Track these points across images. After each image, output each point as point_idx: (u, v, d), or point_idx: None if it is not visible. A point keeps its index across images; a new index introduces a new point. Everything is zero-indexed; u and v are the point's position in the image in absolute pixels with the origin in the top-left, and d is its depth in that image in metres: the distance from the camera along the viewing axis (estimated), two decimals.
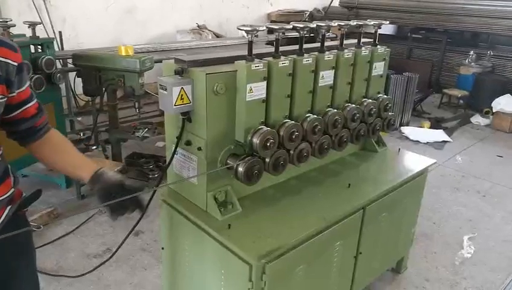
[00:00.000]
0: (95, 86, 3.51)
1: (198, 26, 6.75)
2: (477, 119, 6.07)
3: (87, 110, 5.20)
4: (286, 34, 2.03)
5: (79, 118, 5.10)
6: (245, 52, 1.73)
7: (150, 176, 3.72)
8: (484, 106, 6.10)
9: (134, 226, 2.23)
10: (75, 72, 3.75)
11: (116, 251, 2.44)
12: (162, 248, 2.15)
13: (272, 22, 7.63)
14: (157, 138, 4.39)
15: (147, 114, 4.51)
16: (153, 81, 5.13)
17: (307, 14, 7.87)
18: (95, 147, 4.43)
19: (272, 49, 1.87)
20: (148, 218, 3.22)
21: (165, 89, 1.66)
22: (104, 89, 3.51)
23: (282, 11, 7.86)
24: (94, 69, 3.43)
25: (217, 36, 6.54)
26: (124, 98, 4.54)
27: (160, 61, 3.13)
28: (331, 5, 8.48)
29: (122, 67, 3.33)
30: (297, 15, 7.71)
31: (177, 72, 1.68)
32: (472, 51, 6.79)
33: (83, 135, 4.74)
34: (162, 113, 3.36)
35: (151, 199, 2.06)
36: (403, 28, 8.32)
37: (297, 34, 1.90)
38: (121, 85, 3.41)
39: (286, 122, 1.85)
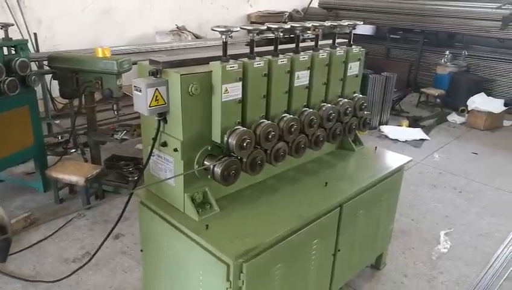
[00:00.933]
0: (72, 89, 3.47)
1: (177, 27, 6.72)
2: (454, 117, 6.21)
3: (65, 113, 5.13)
4: (266, 35, 2.04)
5: (57, 121, 5.03)
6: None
7: (130, 179, 3.69)
8: (460, 105, 6.25)
9: (112, 229, 2.22)
10: (51, 75, 3.69)
11: (94, 255, 2.41)
12: (141, 250, 2.14)
13: (252, 23, 7.66)
14: (137, 140, 4.35)
15: (125, 116, 4.47)
16: (131, 83, 5.09)
17: (286, 15, 7.92)
18: (73, 150, 4.39)
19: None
20: (129, 221, 3.20)
21: (140, 91, 1.65)
22: (81, 91, 3.46)
23: (262, 12, 7.89)
24: (70, 71, 3.39)
25: (197, 37, 6.53)
26: (103, 101, 4.49)
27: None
28: (311, 6, 8.56)
29: (99, 69, 3.30)
30: (276, 16, 7.75)
31: (151, 73, 1.68)
32: (448, 51, 6.95)
33: (61, 138, 4.68)
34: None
35: (127, 202, 2.06)
36: (381, 29, 8.45)
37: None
38: (99, 87, 3.37)
39: (262, 122, 1.87)
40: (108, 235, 2.31)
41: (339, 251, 2.17)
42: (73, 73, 3.40)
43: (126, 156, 4.07)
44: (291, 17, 8.02)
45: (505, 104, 5.95)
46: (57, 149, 4.35)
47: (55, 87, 4.20)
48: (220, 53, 1.77)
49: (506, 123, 6.07)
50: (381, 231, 2.58)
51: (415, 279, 2.76)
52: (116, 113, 3.59)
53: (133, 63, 3.43)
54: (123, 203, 2.11)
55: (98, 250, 2.39)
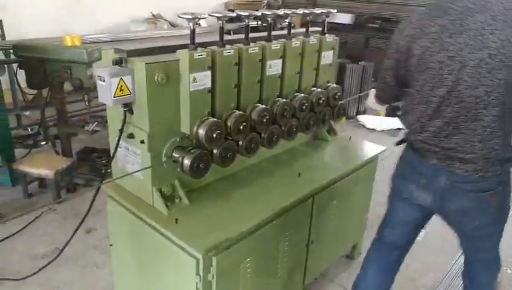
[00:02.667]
0: (40, 78, 3.33)
1: (153, 15, 6.56)
2: None
3: (36, 104, 4.96)
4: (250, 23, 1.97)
5: (27, 113, 4.85)
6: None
7: (103, 171, 3.60)
8: None
9: (81, 223, 2.15)
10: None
11: (62, 250, 2.34)
12: (111, 245, 2.09)
13: (230, 10, 7.54)
14: None
15: (98, 107, 4.34)
16: None
17: (264, 3, 7.82)
18: (44, 143, 4.25)
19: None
20: (101, 214, 3.09)
21: (103, 80, 1.58)
22: (49, 81, 3.34)
23: (240, 0, 7.78)
24: (37, 60, 3.25)
25: (173, 26, 6.39)
26: (74, 91, 4.36)
27: None
28: None
29: (68, 58, 3.18)
30: (254, 4, 7.64)
31: (115, 62, 1.61)
32: None
33: (31, 130, 4.53)
34: None
35: (95, 195, 2.00)
36: (360, 18, 8.44)
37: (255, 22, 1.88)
38: (68, 77, 3.25)
39: (234, 112, 1.83)
40: (77, 229, 2.24)
41: (312, 242, 2.16)
42: (41, 62, 3.27)
43: (99, 148, 3.96)
44: (270, 5, 7.92)
45: None
46: (27, 142, 4.21)
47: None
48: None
49: None
50: (356, 221, 2.59)
51: None
52: (87, 104, 3.48)
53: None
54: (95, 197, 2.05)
55: (66, 245, 2.32)
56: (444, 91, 1.59)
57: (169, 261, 1.71)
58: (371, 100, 2.17)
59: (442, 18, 1.57)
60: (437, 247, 3.01)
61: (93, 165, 3.67)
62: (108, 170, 3.55)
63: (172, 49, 1.73)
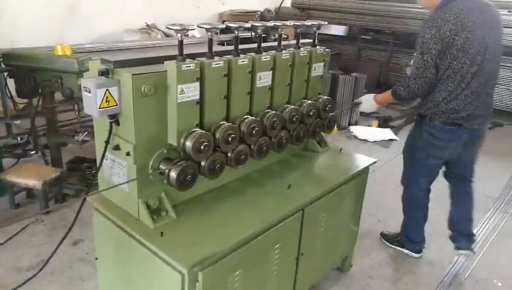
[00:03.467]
0: (30, 88, 3.31)
1: (147, 25, 6.57)
2: None
3: (27, 113, 4.91)
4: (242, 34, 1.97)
5: (17, 122, 4.80)
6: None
7: (93, 182, 3.55)
8: None
9: (66, 235, 2.12)
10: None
11: (47, 262, 2.30)
12: (96, 258, 2.05)
13: (224, 21, 7.58)
14: None
15: (88, 117, 4.31)
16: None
17: (258, 15, 7.88)
18: (33, 152, 4.20)
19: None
20: (89, 226, 3.05)
21: (89, 91, 1.56)
22: (39, 90, 3.31)
23: (234, 11, 7.82)
24: (27, 69, 3.23)
25: (167, 36, 6.40)
26: (66, 101, 4.32)
27: None
28: (283, 5, 8.55)
29: (58, 67, 3.16)
30: (248, 15, 7.69)
31: (101, 73, 1.59)
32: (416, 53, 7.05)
33: (21, 139, 4.47)
34: None
35: (81, 207, 1.97)
36: (353, 30, 8.52)
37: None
38: (58, 87, 3.23)
39: (222, 124, 1.81)
40: (62, 240, 2.21)
41: (301, 254, 2.14)
42: (31, 71, 3.25)
43: (89, 158, 3.92)
44: (263, 17, 7.97)
45: None
46: (16, 151, 4.16)
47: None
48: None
49: None
50: (346, 233, 2.57)
51: (380, 280, 2.76)
52: (77, 113, 3.45)
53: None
54: (84, 207, 2.02)
55: (51, 256, 2.27)
56: (475, 69, 2.37)
57: (155, 275, 1.68)
58: (366, 107, 2.80)
59: (472, 15, 2.31)
60: (431, 257, 3.00)
61: (83, 176, 3.63)
62: (95, 181, 3.54)
63: (160, 60, 1.71)
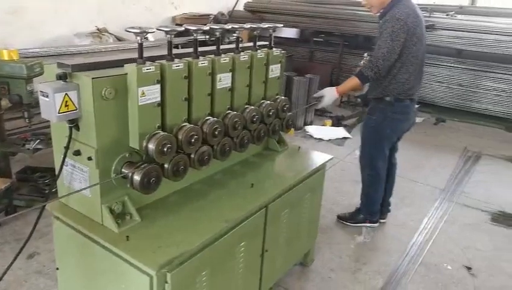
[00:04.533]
0: None
1: (98, 29, 6.39)
2: None
3: None
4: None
5: None
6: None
7: (47, 191, 3.42)
8: None
9: (22, 247, 2.02)
10: None
11: (2, 276, 2.18)
12: (57, 269, 1.99)
13: (177, 25, 7.51)
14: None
15: (40, 125, 4.13)
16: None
17: (211, 18, 7.89)
18: None
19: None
20: (46, 237, 2.97)
21: (47, 96, 1.53)
22: None
23: (187, 15, 7.78)
24: None
25: (119, 40, 6.26)
26: (16, 108, 4.12)
27: None
28: (236, 9, 8.63)
29: (5, 73, 3.01)
30: (202, 18, 7.69)
31: (59, 77, 1.56)
32: (366, 53, 7.34)
33: None
34: None
35: (39, 216, 1.90)
36: (305, 32, 8.75)
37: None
38: (6, 93, 3.08)
39: (184, 125, 1.82)
40: (18, 253, 2.10)
41: (266, 251, 2.19)
42: None
43: (42, 167, 3.76)
44: (217, 20, 8.00)
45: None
46: None
47: None
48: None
49: (417, 120, 6.57)
50: (307, 228, 2.66)
51: (341, 272, 2.87)
52: (27, 121, 3.31)
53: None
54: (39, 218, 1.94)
55: (6, 271, 2.16)
56: (421, 56, 2.95)
57: (122, 280, 1.66)
58: (328, 99, 3.01)
59: (417, 14, 2.85)
60: (387, 248, 3.15)
61: (35, 186, 3.48)
62: (53, 190, 3.40)
63: (119, 63, 1.71)
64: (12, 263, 2.14)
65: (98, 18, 6.61)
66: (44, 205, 1.86)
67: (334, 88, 3.00)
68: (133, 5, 7.15)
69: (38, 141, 3.30)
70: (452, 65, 6.98)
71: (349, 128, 5.94)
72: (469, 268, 2.99)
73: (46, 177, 3.53)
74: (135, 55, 1.68)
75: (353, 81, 2.91)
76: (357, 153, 4.97)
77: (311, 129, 5.70)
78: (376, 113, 3.06)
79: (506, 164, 5.03)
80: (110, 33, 6.39)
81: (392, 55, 2.77)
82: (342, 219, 3.48)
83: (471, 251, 3.20)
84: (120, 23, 6.91)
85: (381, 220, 3.49)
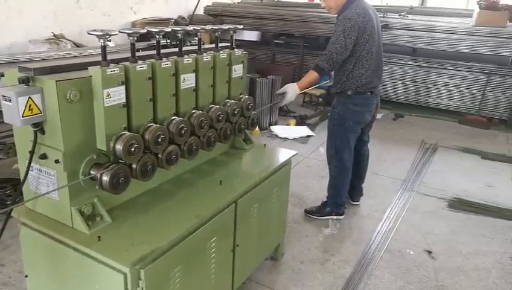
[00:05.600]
0: None
1: (54, 35, 6.23)
2: None
3: None
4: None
5: None
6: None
7: (8, 202, 3.31)
8: None
9: None
10: None
11: None
12: (26, 276, 1.95)
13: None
14: (14, 160, 3.92)
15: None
16: None
17: (172, 22, 7.87)
18: None
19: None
20: (10, 248, 2.89)
21: (9, 100, 1.52)
22: None
23: (147, 19, 7.71)
24: None
25: (78, 46, 6.13)
26: None
27: None
28: (196, 12, 8.64)
29: None
30: (162, 23, 7.64)
31: (22, 81, 1.55)
32: None
33: None
34: None
35: (5, 224, 1.87)
36: (266, 35, 8.88)
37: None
38: None
39: (150, 126, 1.85)
40: None
41: (237, 246, 2.24)
42: None
43: (1, 178, 3.64)
44: (177, 24, 7.98)
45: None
46: None
47: None
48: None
49: (378, 116, 6.83)
50: (276, 222, 2.73)
51: (310, 264, 2.97)
52: None
53: (0, 74, 3.10)
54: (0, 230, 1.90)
55: None
56: (375, 51, 3.15)
57: (96, 281, 1.66)
58: (291, 95, 3.09)
59: (368, 14, 3.06)
60: (354, 238, 3.28)
61: None
62: (17, 199, 3.30)
63: (82, 66, 1.72)
64: None
65: (54, 24, 6.44)
66: (10, 212, 1.83)
67: (295, 84, 3.12)
68: (91, 11, 7.02)
69: None
70: (407, 63, 7.32)
71: (312, 127, 6.10)
72: (429, 252, 3.17)
73: (7, 187, 3.42)
74: (94, 60, 1.70)
75: (311, 75, 3.10)
76: (321, 149, 5.15)
77: (276, 129, 5.81)
78: (339, 106, 3.30)
79: (460, 154, 5.33)
80: (67, 39, 6.24)
81: (344, 51, 3.02)
82: (309, 213, 3.59)
83: (430, 236, 3.39)
84: (77, 29, 6.78)
85: (355, 202, 3.80)
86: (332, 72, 3.28)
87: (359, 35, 3.02)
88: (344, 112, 3.26)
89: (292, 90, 3.09)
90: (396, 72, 7.41)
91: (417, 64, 7.25)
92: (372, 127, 3.58)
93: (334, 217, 3.53)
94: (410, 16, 7.69)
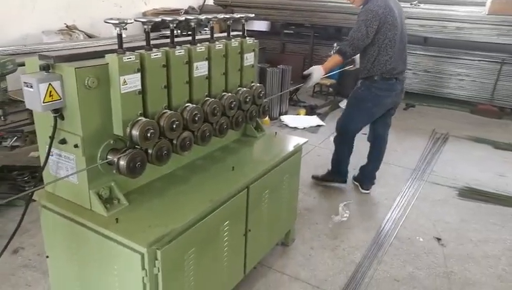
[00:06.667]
0: None
1: (67, 26, 6.30)
2: (345, 103, 6.79)
3: None
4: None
5: None
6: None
7: (26, 188, 3.41)
8: (349, 92, 6.83)
9: (8, 242, 2.05)
10: None
11: None
12: (47, 257, 2.03)
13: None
14: (30, 148, 4.01)
15: (16, 123, 4.09)
16: (19, 88, 4.66)
17: (182, 12, 7.89)
18: None
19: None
20: (29, 232, 2.99)
21: (31, 86, 1.58)
22: None
23: (157, 10, 7.76)
24: None
25: (90, 37, 6.20)
26: None
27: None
28: (206, 3, 8.64)
29: None
30: (173, 13, 7.67)
31: (43, 68, 1.61)
32: (335, 44, 7.54)
33: None
34: (34, 121, 3.07)
35: (26, 207, 1.94)
36: (275, 24, 8.86)
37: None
38: None
39: (165, 112, 1.90)
40: (4, 249, 2.14)
41: (249, 230, 2.30)
42: None
43: (19, 166, 3.73)
44: (187, 14, 8.01)
45: None
46: None
47: None
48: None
49: None
50: (287, 209, 2.78)
51: (320, 250, 3.02)
52: (2, 118, 3.30)
53: (18, 64, 3.18)
54: (19, 215, 1.96)
55: None
56: (398, 39, 3.34)
57: (113, 261, 1.73)
58: (317, 76, 3.36)
59: (388, 6, 3.25)
60: (364, 225, 3.32)
61: (14, 184, 3.47)
62: (33, 187, 3.40)
63: (99, 54, 1.77)
64: None
65: (66, 15, 6.51)
66: (32, 196, 1.90)
67: (320, 66, 3.35)
68: (102, 2, 7.07)
69: (16, 138, 3.29)
70: (419, 52, 7.26)
71: (322, 117, 6.11)
72: (439, 239, 3.19)
73: (25, 175, 3.52)
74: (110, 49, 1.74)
75: (335, 58, 3.36)
76: (331, 139, 5.16)
77: (286, 119, 5.83)
78: (362, 87, 3.55)
79: (471, 144, 5.31)
80: (80, 30, 6.31)
81: (365, 38, 3.26)
82: (315, 178, 4.00)
83: (440, 224, 3.41)
84: (89, 20, 6.85)
85: (365, 191, 3.89)
86: (357, 59, 3.57)
87: (380, 25, 3.23)
88: (366, 94, 3.49)
89: (317, 72, 3.32)
90: (408, 61, 7.32)
91: (429, 53, 7.19)
92: (395, 112, 3.78)
93: (337, 184, 3.90)
94: (421, 5, 7.60)
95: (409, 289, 2.67)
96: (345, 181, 3.91)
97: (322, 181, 3.96)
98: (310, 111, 6.27)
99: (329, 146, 4.92)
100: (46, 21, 6.21)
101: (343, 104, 6.78)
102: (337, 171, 3.87)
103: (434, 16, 6.97)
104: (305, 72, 3.41)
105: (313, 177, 4.00)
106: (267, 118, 5.48)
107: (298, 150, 2.73)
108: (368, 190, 3.89)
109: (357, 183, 3.92)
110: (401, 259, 2.95)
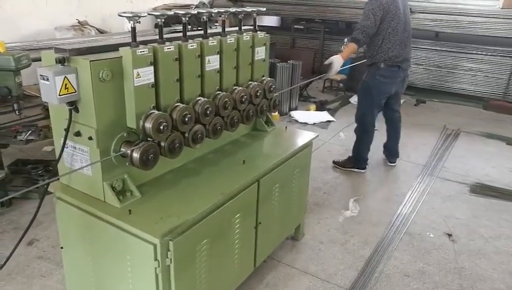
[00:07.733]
0: None
1: (79, 22, 6.37)
2: (355, 99, 6.75)
3: None
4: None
5: None
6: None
7: (40, 182, 3.47)
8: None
9: (24, 233, 2.08)
10: None
11: (5, 263, 2.26)
12: (62, 247, 2.07)
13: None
14: (44, 143, 4.09)
15: (30, 118, 4.15)
16: (32, 83, 4.73)
17: (193, 7, 7.90)
18: None
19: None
20: (43, 225, 3.04)
21: (47, 79, 1.60)
22: None
23: (168, 5, 7.80)
24: None
25: (101, 32, 6.26)
26: (2, 101, 4.12)
27: (39, 59, 2.93)
28: None
29: None
30: (183, 8, 7.70)
31: (59, 61, 1.63)
32: (346, 39, 7.50)
33: None
34: (47, 116, 3.11)
35: (42, 199, 1.97)
36: (286, 20, 8.85)
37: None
38: None
39: (178, 105, 1.92)
40: (20, 240, 2.17)
41: (259, 223, 2.31)
42: None
43: (33, 160, 3.81)
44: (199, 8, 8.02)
45: None
46: None
47: None
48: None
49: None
50: (297, 203, 2.79)
51: (330, 244, 3.02)
52: (18, 113, 3.34)
53: (32, 59, 3.22)
54: (34, 208, 2.00)
55: (8, 259, 2.23)
56: (401, 28, 3.64)
57: (126, 252, 1.76)
58: (337, 65, 3.49)
59: None
60: (374, 220, 3.32)
61: (28, 177, 3.53)
62: (46, 180, 3.45)
63: (113, 47, 1.79)
64: (15, 248, 2.21)
65: (78, 11, 6.59)
66: (47, 188, 1.93)
67: (338, 55, 3.52)
68: None
69: (30, 132, 3.34)
70: (430, 47, 7.19)
71: (332, 112, 6.09)
72: (450, 235, 3.18)
73: (39, 168, 3.58)
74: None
75: (351, 46, 3.57)
76: (342, 135, 5.16)
77: (296, 114, 5.83)
78: (368, 77, 3.85)
79: (483, 140, 5.26)
80: (91, 26, 6.38)
81: (374, 26, 3.56)
82: (336, 163, 4.28)
83: (451, 219, 3.39)
84: (100, 16, 6.92)
85: (391, 164, 4.36)
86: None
87: (384, 15, 3.54)
88: (371, 83, 3.80)
89: (337, 61, 3.48)
90: (419, 57, 7.29)
91: (440, 48, 7.11)
92: (400, 98, 4.16)
93: (356, 169, 4.15)
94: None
95: (419, 284, 2.66)
96: (364, 168, 4.16)
97: (342, 167, 4.20)
98: (320, 106, 6.26)
99: (340, 142, 4.92)
100: (58, 17, 6.29)
101: (353, 99, 6.76)
102: (358, 158, 4.13)
103: (446, 10, 6.90)
104: (326, 62, 3.55)
105: (334, 162, 4.27)
106: (276, 113, 5.48)
107: (309, 144, 2.73)
108: (393, 163, 4.34)
109: (384, 158, 4.44)
110: (412, 254, 2.94)
